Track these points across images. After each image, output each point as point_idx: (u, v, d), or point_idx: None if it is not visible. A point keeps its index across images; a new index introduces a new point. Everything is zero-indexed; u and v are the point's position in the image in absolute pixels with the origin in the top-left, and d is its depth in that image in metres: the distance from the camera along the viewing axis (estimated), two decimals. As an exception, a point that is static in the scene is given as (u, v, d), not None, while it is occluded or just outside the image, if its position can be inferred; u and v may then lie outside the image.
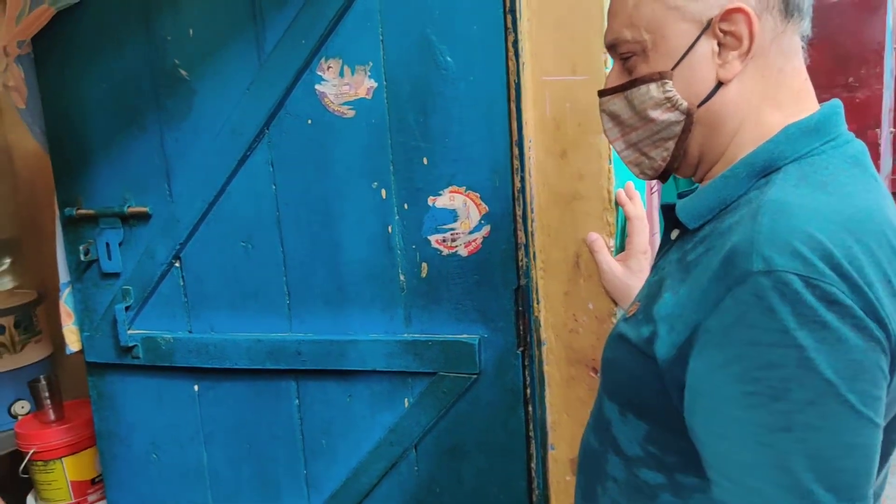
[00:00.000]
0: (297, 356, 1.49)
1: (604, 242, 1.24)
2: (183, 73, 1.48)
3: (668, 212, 0.85)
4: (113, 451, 1.75)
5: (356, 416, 1.50)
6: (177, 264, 1.58)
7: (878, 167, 1.97)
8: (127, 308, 1.61)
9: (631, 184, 1.27)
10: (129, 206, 1.57)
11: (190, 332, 1.61)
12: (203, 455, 1.66)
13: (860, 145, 0.78)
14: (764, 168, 0.75)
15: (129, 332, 1.62)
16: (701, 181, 0.85)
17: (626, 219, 1.25)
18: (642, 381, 0.78)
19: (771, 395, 0.64)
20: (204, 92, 1.48)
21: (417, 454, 1.46)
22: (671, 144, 0.82)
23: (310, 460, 1.56)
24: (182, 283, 1.59)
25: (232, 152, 1.47)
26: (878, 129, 1.89)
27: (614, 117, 0.86)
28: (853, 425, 0.64)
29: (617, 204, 1.25)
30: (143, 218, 1.57)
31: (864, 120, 1.93)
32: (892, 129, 2.24)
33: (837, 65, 1.95)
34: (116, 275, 1.62)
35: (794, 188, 0.70)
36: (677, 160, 0.83)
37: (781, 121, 0.77)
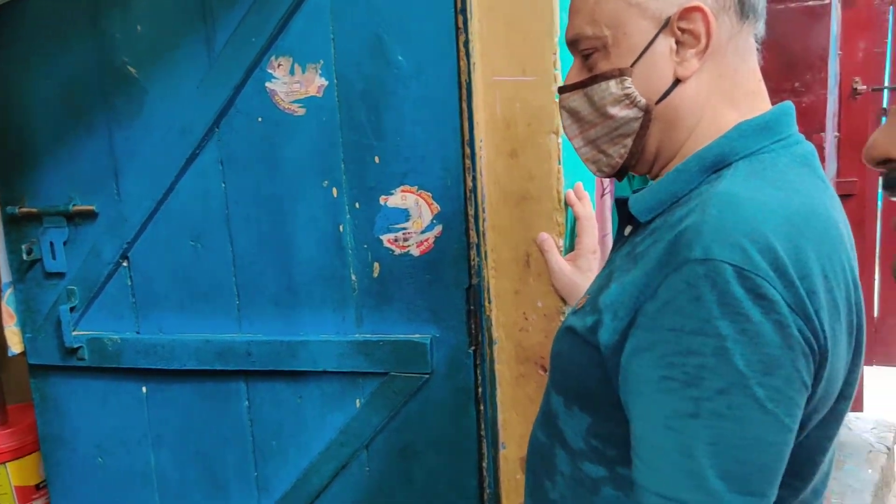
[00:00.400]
0: (246, 357, 1.47)
1: (553, 242, 1.25)
2: (132, 71, 1.46)
3: (621, 207, 0.86)
4: (57, 455, 1.70)
5: (307, 416, 1.48)
6: (124, 264, 1.55)
7: (823, 170, 2.02)
8: (72, 309, 1.57)
9: (580, 184, 1.28)
10: (74, 205, 1.54)
11: (138, 332, 1.58)
12: (151, 458, 1.63)
13: (810, 147, 0.80)
14: (715, 163, 0.77)
15: (74, 333, 1.58)
16: (655, 178, 0.86)
17: (575, 219, 1.26)
18: (587, 371, 0.79)
19: (685, 380, 0.66)
20: (153, 90, 1.45)
21: (368, 454, 1.45)
22: (629, 141, 0.82)
23: (260, 462, 1.55)
24: (130, 283, 1.56)
25: (181, 150, 1.45)
26: (822, 133, 1.94)
27: (574, 114, 0.86)
28: (758, 419, 0.65)
29: (566, 204, 1.26)
30: (90, 216, 1.54)
31: (809, 124, 1.99)
32: (836, 134, 2.31)
33: (784, 70, 2.00)
34: (61, 275, 1.58)
35: (743, 182, 0.72)
36: (634, 157, 0.84)
37: (736, 119, 0.79)
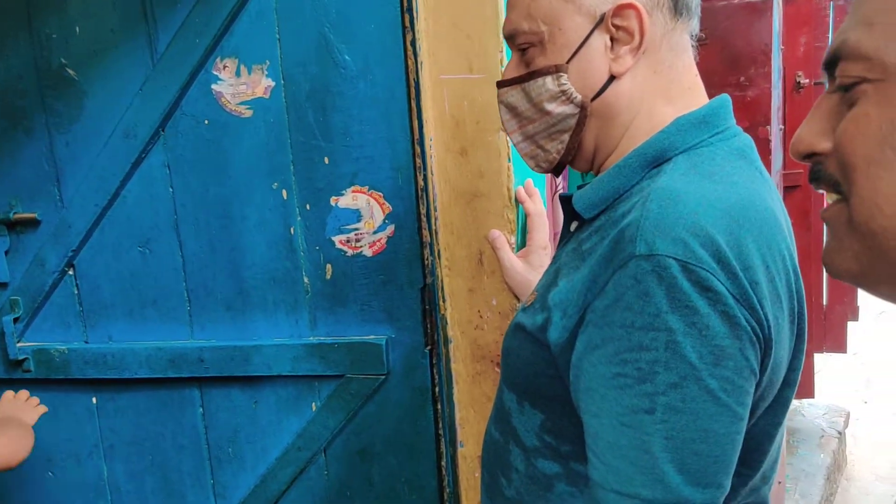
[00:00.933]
0: (199, 363, 1.45)
1: (505, 239, 1.25)
2: (71, 73, 1.42)
3: (566, 203, 0.87)
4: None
5: (263, 422, 1.46)
6: (70, 272, 1.51)
7: (769, 163, 2.07)
8: (16, 320, 1.53)
9: (530, 181, 1.29)
10: (15, 213, 1.49)
11: (86, 342, 1.54)
12: (103, 469, 1.59)
13: (747, 139, 0.81)
14: (655, 158, 0.78)
15: (19, 344, 1.53)
16: (597, 173, 0.87)
17: (526, 216, 1.27)
18: (538, 369, 0.79)
19: (638, 377, 0.66)
20: (94, 93, 1.42)
21: (327, 458, 1.44)
22: (566, 137, 0.83)
23: (216, 469, 1.52)
24: (76, 292, 1.52)
25: (126, 155, 1.41)
26: (768, 127, 1.99)
27: (512, 109, 0.87)
28: (712, 411, 0.66)
29: (517, 201, 1.26)
30: (32, 224, 1.50)
31: (754, 117, 2.03)
32: (781, 126, 2.36)
33: (728, 65, 2.04)
34: (3, 285, 1.53)
35: (682, 177, 0.73)
36: (572, 153, 0.85)
37: (673, 114, 0.80)
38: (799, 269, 0.77)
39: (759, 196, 0.73)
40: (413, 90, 1.26)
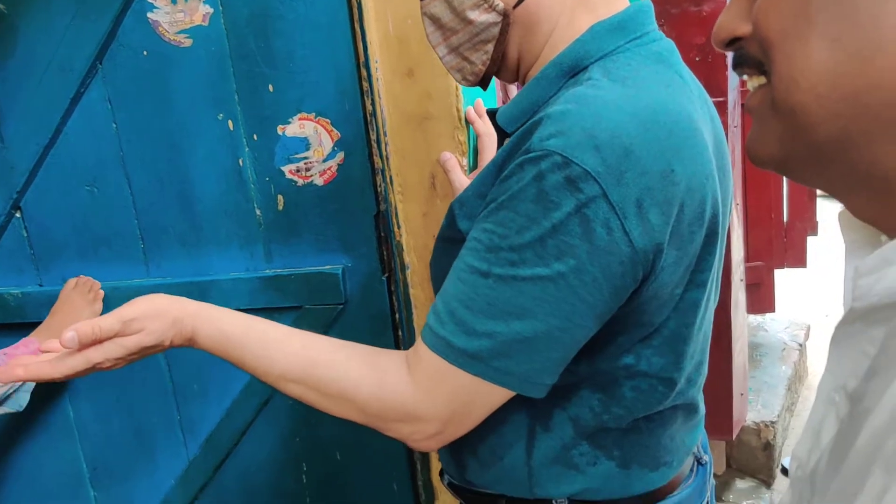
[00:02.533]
0: (156, 301, 1.43)
1: (456, 161, 1.24)
2: (1, 7, 1.36)
3: (494, 119, 0.86)
4: (-30, 417, 1.65)
5: (225, 356, 1.46)
6: (17, 214, 1.48)
7: (725, 79, 2.05)
8: (-35, 265, 1.50)
9: (480, 101, 1.27)
10: (-46, 155, 1.45)
11: (41, 285, 1.52)
12: (69, 411, 1.59)
13: (668, 43, 0.80)
14: (572, 67, 0.76)
15: (-29, 290, 1.51)
16: (522, 84, 0.86)
17: (476, 136, 1.25)
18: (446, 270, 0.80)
19: (488, 246, 0.70)
20: (26, 26, 1.36)
21: (290, 388, 1.45)
22: (490, 47, 0.82)
23: (182, 405, 1.53)
24: (26, 234, 1.49)
25: (64, 90, 1.37)
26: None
27: (435, 20, 0.85)
28: (536, 293, 0.68)
29: (467, 122, 1.25)
30: (-27, 167, 1.45)
31: (711, 32, 2.00)
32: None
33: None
34: (-51, 230, 1.50)
35: (595, 83, 0.72)
36: (497, 63, 0.84)
37: (592, 22, 0.78)
38: (716, 175, 0.76)
39: (673, 100, 0.72)
40: (355, 11, 1.23)
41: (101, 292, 1.44)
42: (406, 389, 0.75)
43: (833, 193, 0.46)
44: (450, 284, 0.74)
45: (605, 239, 0.66)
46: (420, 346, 0.75)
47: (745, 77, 0.47)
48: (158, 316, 0.80)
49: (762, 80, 0.45)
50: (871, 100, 0.38)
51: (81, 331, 0.76)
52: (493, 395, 0.73)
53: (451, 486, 0.95)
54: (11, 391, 1.35)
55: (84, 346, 0.78)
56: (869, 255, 0.40)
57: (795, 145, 0.43)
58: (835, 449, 0.42)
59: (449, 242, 0.81)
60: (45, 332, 1.41)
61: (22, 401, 1.38)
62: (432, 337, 0.73)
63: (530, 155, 0.68)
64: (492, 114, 0.87)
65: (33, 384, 1.39)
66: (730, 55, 0.49)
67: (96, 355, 0.78)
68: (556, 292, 0.68)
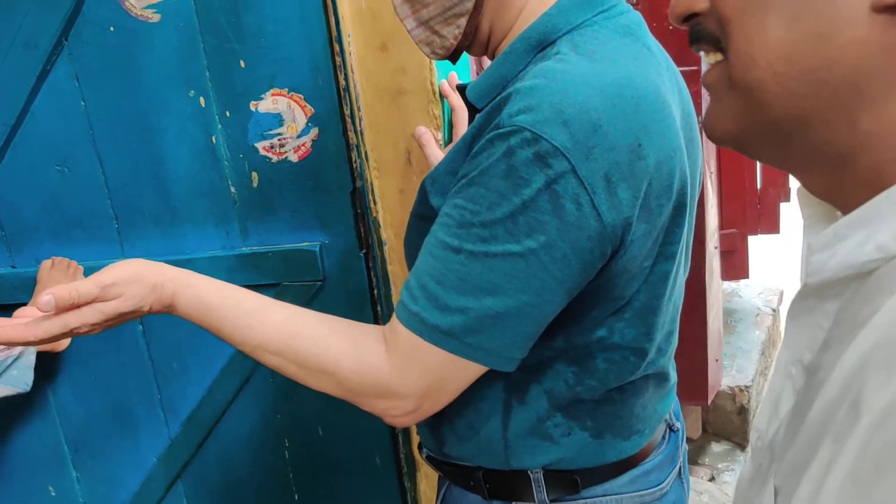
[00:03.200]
0: (132, 281, 1.42)
1: (431, 136, 1.24)
2: (-41, -19, 1.32)
3: (463, 95, 0.86)
4: (-53, 401, 1.64)
5: (204, 334, 1.43)
6: (-13, 196, 1.45)
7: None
8: (-65, 248, 1.48)
9: (454, 74, 1.26)
10: (-82, 136, 1.41)
11: (13, 266, 1.50)
12: (48, 394, 1.58)
13: (635, 16, 0.79)
14: (540, 42, 0.76)
15: (-57, 273, 1.49)
16: (492, 58, 0.85)
17: (451, 110, 1.25)
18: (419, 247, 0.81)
19: (459, 221, 0.70)
20: (-13, 2, 1.32)
21: (270, 365, 1.45)
22: (463, 21, 0.81)
23: (162, 385, 1.53)
24: (-4, 216, 1.47)
25: (29, 68, 1.34)
26: None
27: None
28: (506, 269, 0.69)
29: (441, 96, 1.24)
30: (-62, 148, 1.43)
31: None
32: None
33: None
34: (-83, 213, 1.48)
35: (562, 58, 0.72)
36: (468, 38, 0.83)
37: None
38: (683, 147, 0.77)
39: (640, 74, 0.72)
40: (327, -16, 1.21)
41: (80, 268, 1.42)
42: (383, 365, 0.75)
43: (789, 170, 0.47)
44: (422, 260, 0.74)
45: (575, 214, 0.67)
46: (395, 322, 0.76)
47: (701, 53, 0.47)
48: (137, 281, 0.79)
49: (719, 56, 0.45)
50: (827, 77, 0.39)
51: (58, 294, 0.75)
52: (466, 371, 0.74)
53: (430, 460, 0.96)
54: (14, 370, 1.34)
55: (61, 310, 0.76)
56: (822, 233, 0.41)
57: (752, 122, 0.43)
58: (791, 420, 0.44)
59: (421, 219, 0.82)
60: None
61: (27, 379, 1.37)
62: (406, 313, 0.74)
63: (500, 131, 0.68)
64: (461, 89, 0.86)
65: (34, 360, 1.39)
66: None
67: (73, 320, 0.76)
68: (527, 268, 0.69)
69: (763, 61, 0.40)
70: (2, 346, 1.32)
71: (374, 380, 0.76)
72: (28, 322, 0.78)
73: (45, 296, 0.75)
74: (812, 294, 0.44)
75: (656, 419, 0.90)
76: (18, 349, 1.35)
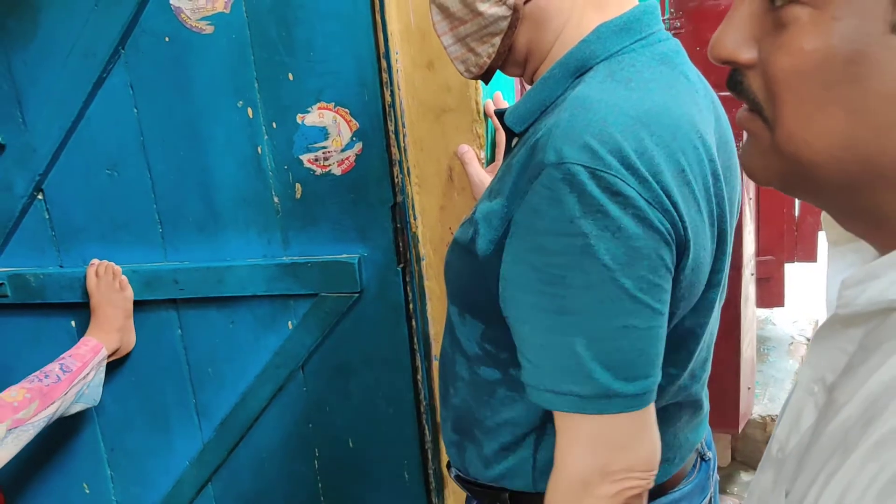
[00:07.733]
0: (174, 285, 1.45)
1: (474, 154, 1.25)
2: (23, -12, 1.37)
3: (502, 119, 0.86)
4: (-11, 395, 1.68)
5: (240, 341, 1.49)
6: (39, 196, 1.49)
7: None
8: (-13, 246, 1.52)
9: (499, 94, 1.27)
10: (-23, 137, 1.46)
11: (61, 266, 1.54)
12: (86, 392, 1.61)
13: (674, 44, 0.80)
14: (578, 68, 0.77)
15: (-7, 270, 1.53)
16: (531, 82, 0.86)
17: (494, 130, 1.26)
18: (472, 281, 0.81)
19: (555, 281, 0.69)
20: (48, 9, 1.37)
21: (304, 375, 1.47)
22: (497, 40, 0.81)
23: (198, 389, 1.55)
24: (47, 216, 1.51)
25: (86, 75, 1.38)
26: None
27: (443, 9, 0.85)
28: (628, 308, 0.68)
29: (485, 115, 1.25)
30: (-4, 149, 1.47)
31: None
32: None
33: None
34: (-29, 211, 1.52)
35: (598, 84, 0.72)
36: (502, 57, 0.84)
37: (601, 21, 0.78)
38: (720, 173, 0.77)
39: (675, 101, 0.72)
40: (377, 1, 1.23)
41: (124, 277, 1.46)
42: (571, 466, 0.73)
43: (828, 212, 0.48)
44: (536, 338, 0.73)
45: (663, 232, 0.68)
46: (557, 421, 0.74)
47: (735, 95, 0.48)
48: None
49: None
50: (883, 160, 0.40)
51: None
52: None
53: (458, 479, 0.97)
54: (85, 389, 1.41)
55: None
56: (856, 270, 0.43)
57: (797, 182, 0.45)
58: (813, 434, 0.45)
59: (466, 252, 0.81)
60: (96, 330, 1.47)
61: (96, 395, 1.47)
62: (555, 398, 0.72)
63: (553, 174, 0.67)
64: (499, 114, 0.87)
65: (103, 377, 1.47)
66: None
67: None
68: (643, 295, 0.69)
69: (819, 146, 0.41)
70: (81, 376, 1.40)
71: (578, 483, 0.74)
72: None
73: None
74: (840, 321, 0.46)
75: (687, 448, 0.90)
76: (91, 370, 1.42)
